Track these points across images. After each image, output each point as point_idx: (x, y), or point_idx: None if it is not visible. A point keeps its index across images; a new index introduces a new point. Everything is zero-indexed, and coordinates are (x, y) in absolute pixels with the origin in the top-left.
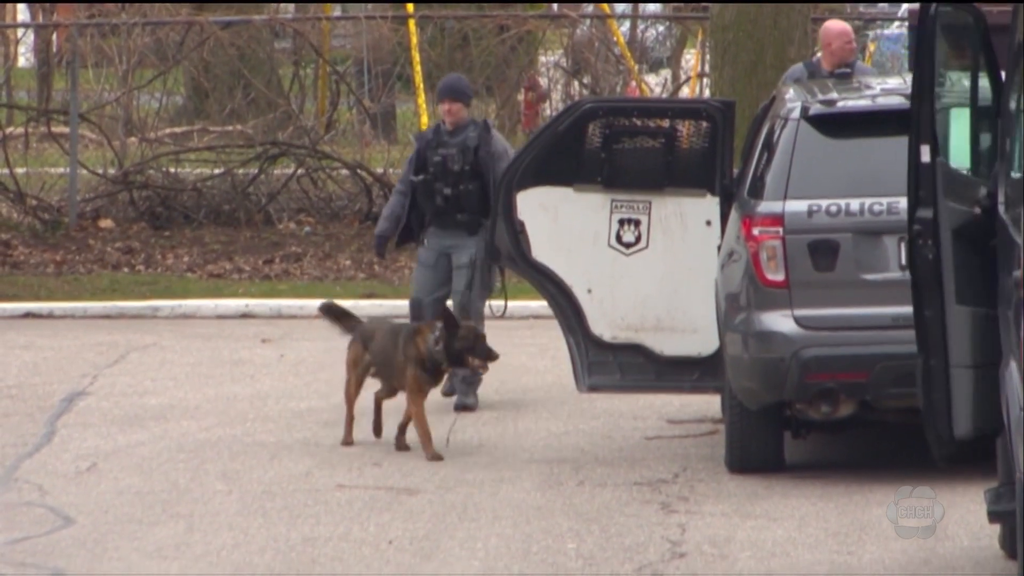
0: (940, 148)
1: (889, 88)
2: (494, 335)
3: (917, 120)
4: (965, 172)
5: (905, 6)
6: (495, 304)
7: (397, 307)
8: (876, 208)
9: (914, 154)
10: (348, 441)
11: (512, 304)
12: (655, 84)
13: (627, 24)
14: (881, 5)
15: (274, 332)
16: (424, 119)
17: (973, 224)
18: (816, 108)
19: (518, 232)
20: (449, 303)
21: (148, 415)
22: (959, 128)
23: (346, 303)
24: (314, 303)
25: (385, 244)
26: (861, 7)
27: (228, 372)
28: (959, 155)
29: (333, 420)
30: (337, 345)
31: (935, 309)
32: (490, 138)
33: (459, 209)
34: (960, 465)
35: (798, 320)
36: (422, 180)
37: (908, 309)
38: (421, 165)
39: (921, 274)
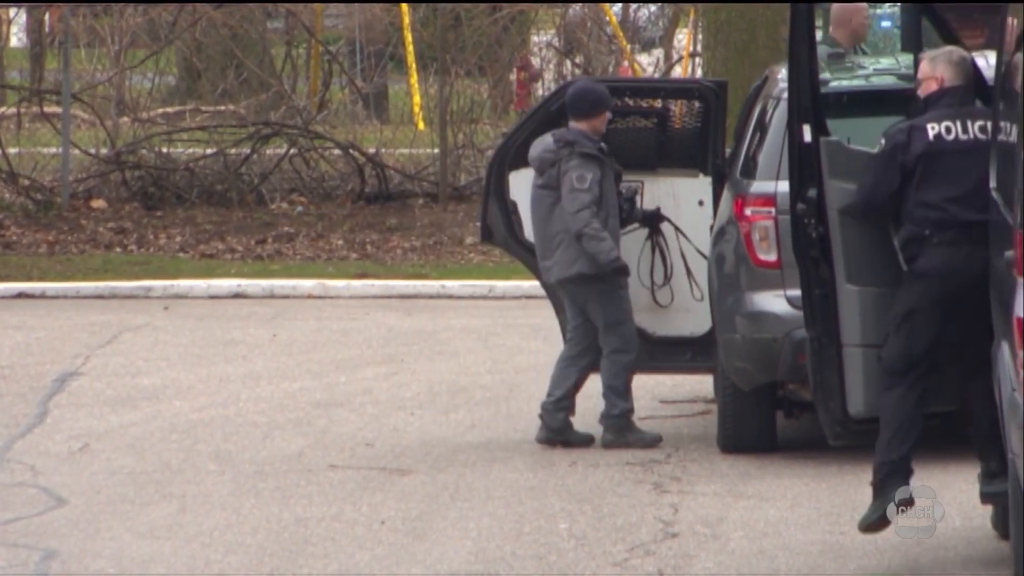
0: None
1: (882, 68)
2: (486, 315)
3: (796, 101)
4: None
5: None
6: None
7: (389, 287)
8: None
9: (794, 135)
10: None
11: (505, 284)
12: (647, 64)
13: (619, 4)
14: None
15: (267, 312)
16: (416, 99)
17: None
18: None
19: (510, 212)
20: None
21: (141, 395)
22: None
23: (339, 283)
24: (306, 283)
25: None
26: None
27: (220, 352)
28: None
29: (325, 400)
30: (328, 325)
31: (824, 288)
32: None
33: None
34: (853, 445)
35: (791, 301)
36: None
37: None
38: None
39: (806, 253)
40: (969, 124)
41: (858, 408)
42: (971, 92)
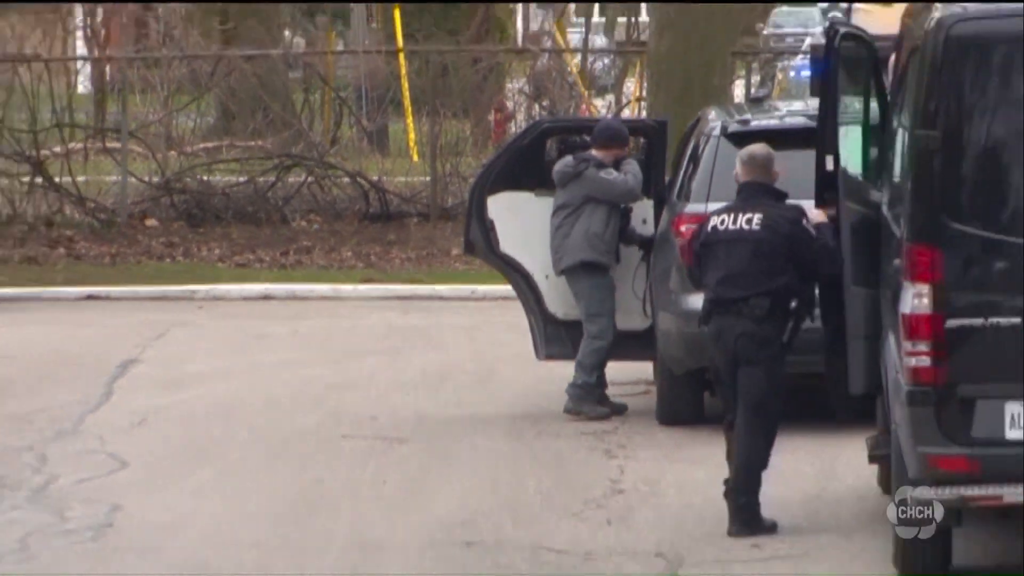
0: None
1: (794, 110)
2: (471, 314)
3: (823, 135)
4: (860, 178)
5: (808, 40)
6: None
7: (390, 290)
8: None
9: (820, 163)
10: None
11: (485, 288)
12: (602, 106)
13: (579, 57)
14: (788, 40)
15: (289, 312)
16: (411, 135)
17: (864, 220)
18: (733, 126)
19: (488, 229)
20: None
21: (188, 379)
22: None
23: (348, 287)
24: (322, 287)
25: None
26: (772, 42)
27: (252, 344)
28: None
29: (338, 383)
30: (339, 322)
31: (836, 289)
32: None
33: None
34: (855, 417)
35: None
36: None
37: None
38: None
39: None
40: (740, 216)
41: (858, 387)
42: (760, 186)
